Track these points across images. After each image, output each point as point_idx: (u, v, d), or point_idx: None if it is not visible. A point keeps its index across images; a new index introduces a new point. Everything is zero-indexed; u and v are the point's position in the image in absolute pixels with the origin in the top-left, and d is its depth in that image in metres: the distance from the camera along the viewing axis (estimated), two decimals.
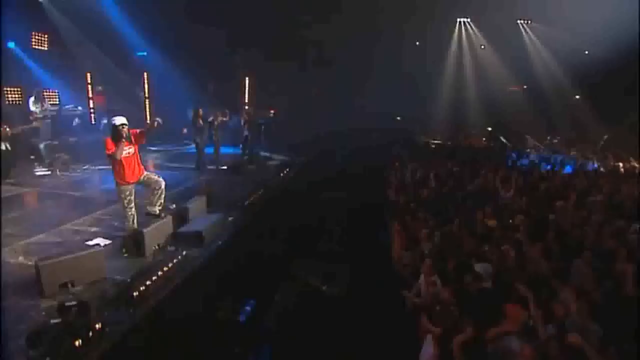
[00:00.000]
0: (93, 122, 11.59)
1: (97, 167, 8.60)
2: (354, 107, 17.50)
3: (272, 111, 15.95)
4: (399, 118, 20.51)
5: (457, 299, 3.76)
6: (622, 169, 9.69)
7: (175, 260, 3.88)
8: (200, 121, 8.42)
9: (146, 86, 11.78)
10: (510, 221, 5.50)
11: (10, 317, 2.97)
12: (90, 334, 2.67)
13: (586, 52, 15.34)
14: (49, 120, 9.59)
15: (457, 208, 6.58)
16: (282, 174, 8.55)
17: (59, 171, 8.03)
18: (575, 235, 4.90)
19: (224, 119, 9.51)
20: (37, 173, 7.99)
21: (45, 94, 10.19)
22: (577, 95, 16.33)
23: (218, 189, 6.88)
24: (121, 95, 11.22)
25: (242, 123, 10.16)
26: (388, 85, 18.00)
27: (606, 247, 4.48)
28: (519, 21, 17.73)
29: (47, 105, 9.64)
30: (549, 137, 13.77)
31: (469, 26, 19.33)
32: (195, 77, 11.42)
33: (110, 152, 4.09)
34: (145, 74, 11.68)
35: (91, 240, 4.57)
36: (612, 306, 3.26)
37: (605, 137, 12.89)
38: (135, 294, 3.22)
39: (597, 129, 13.72)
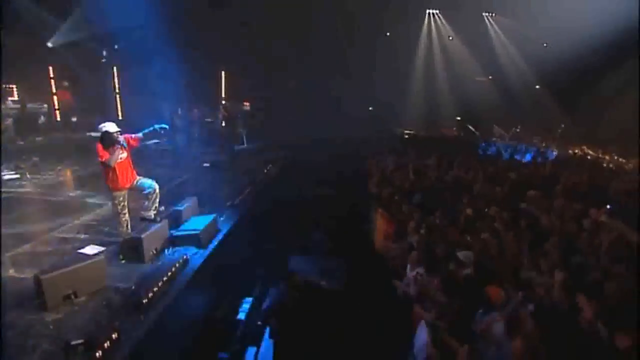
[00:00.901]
0: (58, 120, 11.02)
1: (69, 169, 8.28)
2: (330, 99, 17.58)
3: (246, 103, 15.76)
4: (371, 109, 20.90)
5: (444, 287, 4.11)
6: (577, 156, 10.55)
7: (177, 264, 3.93)
8: (178, 120, 8.28)
9: (116, 81, 11.26)
10: (487, 210, 5.94)
11: (16, 333, 2.94)
12: (107, 345, 2.72)
13: (545, 45, 16.32)
14: (11, 119, 9.06)
15: (437, 199, 6.98)
16: (266, 170, 8.61)
17: (29, 174, 7.64)
18: (545, 222, 5.40)
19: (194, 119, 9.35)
20: (5, 177, 7.54)
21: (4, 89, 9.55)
22: (537, 85, 17.38)
23: (204, 188, 6.87)
24: (90, 91, 10.69)
25: (219, 118, 10.05)
26: (361, 77, 18.24)
27: (569, 231, 5.00)
28: (484, 14, 18.45)
29: (8, 102, 9.07)
30: (514, 128, 14.61)
31: (437, 18, 19.85)
32: (169, 72, 11.06)
33: (104, 159, 4.02)
34: (114, 67, 11.16)
35: (83, 248, 4.47)
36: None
37: (562, 126, 13.89)
38: (144, 300, 3.27)
39: (555, 118, 14.75)
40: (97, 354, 2.62)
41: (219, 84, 11.04)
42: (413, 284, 4.44)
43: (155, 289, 3.46)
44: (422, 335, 3.77)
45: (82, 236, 4.86)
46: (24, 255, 4.30)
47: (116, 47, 10.97)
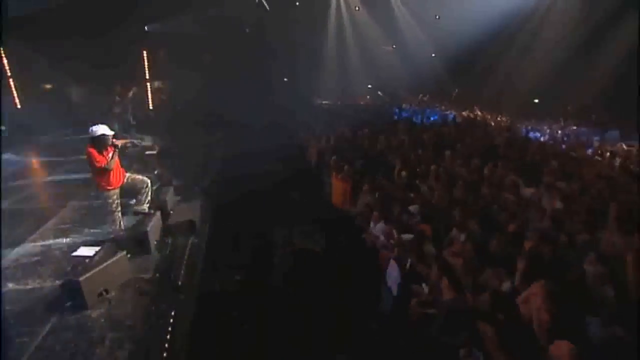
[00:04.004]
0: None
1: None
2: (244, 74, 17.27)
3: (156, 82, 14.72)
4: (286, 80, 21.26)
5: (402, 232, 5.40)
6: (470, 118, 13.05)
7: (189, 249, 4.39)
8: (116, 108, 7.80)
9: (5, 63, 9.55)
10: (418, 170, 7.44)
11: (74, 332, 3.20)
12: (172, 320, 3.24)
13: (437, 17, 18.63)
14: None
15: (375, 163, 8.28)
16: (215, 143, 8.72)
17: None
18: (457, 175, 7.13)
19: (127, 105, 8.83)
20: None
21: None
22: (433, 54, 19.88)
23: (164, 175, 6.91)
24: None
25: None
26: (274, 48, 18.28)
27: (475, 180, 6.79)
28: None
29: None
30: (421, 95, 16.75)
31: None
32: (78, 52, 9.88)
33: (103, 164, 4.06)
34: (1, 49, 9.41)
35: (75, 251, 4.51)
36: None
37: (456, 90, 16.54)
38: (179, 283, 3.76)
39: (450, 84, 17.36)
40: (169, 328, 3.14)
41: (141, 64, 10.24)
42: (378, 234, 5.66)
43: (182, 272, 3.93)
44: (393, 270, 5.04)
45: (65, 240, 4.80)
46: (12, 268, 4.18)
47: None
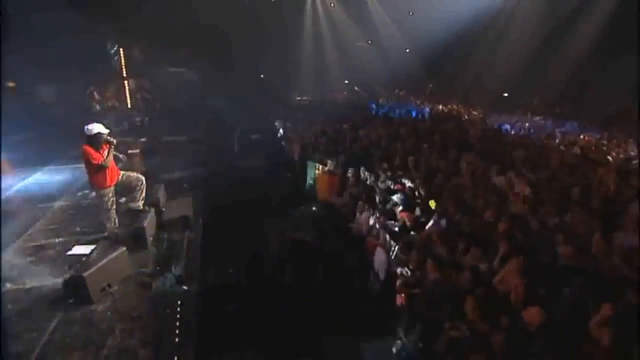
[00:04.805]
0: None
1: None
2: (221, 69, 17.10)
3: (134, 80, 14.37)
4: (262, 76, 21.19)
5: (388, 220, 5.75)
6: (445, 112, 13.64)
7: (185, 243, 4.52)
8: (97, 105, 7.67)
9: None
10: (398, 162, 7.81)
11: (83, 326, 3.30)
12: (178, 309, 3.41)
13: (410, 13, 19.11)
14: None
15: (357, 157, 8.59)
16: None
17: None
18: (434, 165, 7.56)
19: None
20: None
21: None
22: (407, 49, 20.37)
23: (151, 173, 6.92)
24: None
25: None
26: (250, 45, 18.20)
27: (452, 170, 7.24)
28: None
29: None
30: (397, 90, 17.21)
31: None
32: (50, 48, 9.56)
33: (100, 161, 4.10)
34: None
35: (70, 250, 4.53)
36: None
37: (430, 85, 17.13)
38: (181, 275, 3.91)
39: (424, 79, 17.95)
40: (177, 316, 3.31)
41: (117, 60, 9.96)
42: (365, 224, 5.98)
43: (183, 264, 4.08)
44: (380, 256, 5.37)
45: (57, 240, 4.79)
46: (8, 269, 4.16)
47: None
